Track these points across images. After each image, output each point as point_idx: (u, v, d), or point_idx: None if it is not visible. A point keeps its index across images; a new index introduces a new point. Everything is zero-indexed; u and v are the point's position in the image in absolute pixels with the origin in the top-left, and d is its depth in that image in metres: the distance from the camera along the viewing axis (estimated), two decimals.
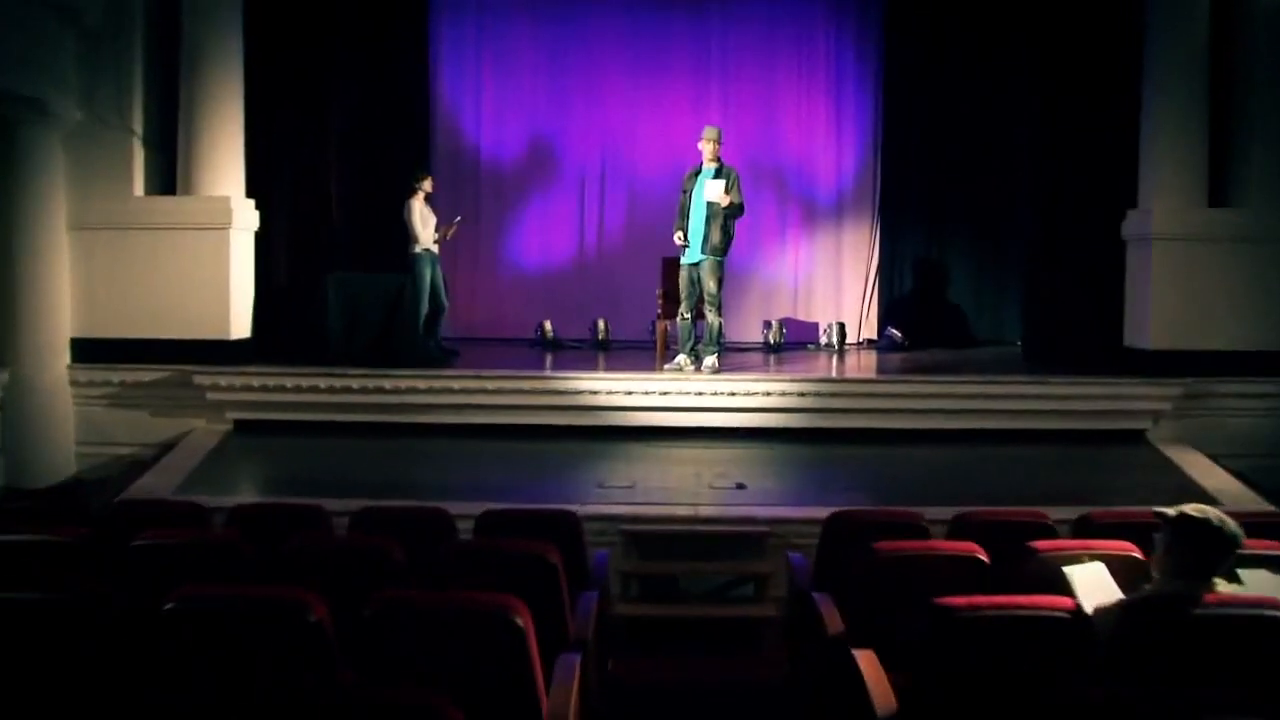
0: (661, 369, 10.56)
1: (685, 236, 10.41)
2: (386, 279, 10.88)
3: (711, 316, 10.42)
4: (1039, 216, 12.60)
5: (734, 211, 10.38)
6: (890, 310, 14.11)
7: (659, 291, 12.02)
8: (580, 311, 13.69)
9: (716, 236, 10.31)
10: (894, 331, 13.52)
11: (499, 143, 14.25)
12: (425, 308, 11.25)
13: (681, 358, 10.53)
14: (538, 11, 14.18)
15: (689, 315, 10.55)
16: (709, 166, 10.47)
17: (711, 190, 10.24)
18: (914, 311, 13.99)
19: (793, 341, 13.51)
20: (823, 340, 13.60)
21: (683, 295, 10.53)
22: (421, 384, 10.04)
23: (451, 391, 10.02)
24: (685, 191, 10.50)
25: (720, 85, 14.03)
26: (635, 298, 13.54)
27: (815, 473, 9.05)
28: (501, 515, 5.94)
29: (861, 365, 12.00)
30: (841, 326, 13.44)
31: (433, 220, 11.52)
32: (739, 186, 10.42)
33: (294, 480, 8.78)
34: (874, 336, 14.08)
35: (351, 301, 10.70)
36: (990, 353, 13.00)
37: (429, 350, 11.12)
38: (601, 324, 13.13)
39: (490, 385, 10.02)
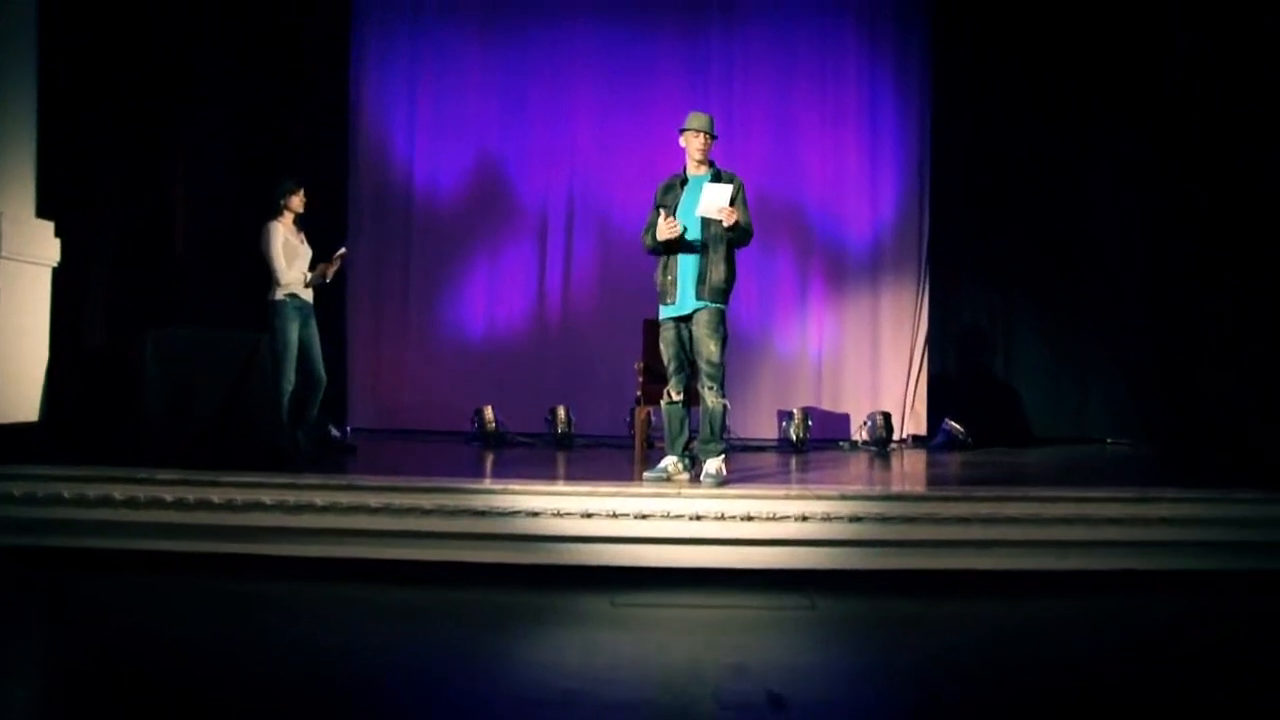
0: (641, 478, 6.93)
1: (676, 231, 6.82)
2: (233, 337, 7.22)
3: (712, 399, 6.82)
4: (1156, 279, 9.24)
5: (741, 237, 6.87)
6: (943, 396, 10.57)
7: (639, 365, 8.46)
8: (534, 395, 10.14)
9: (719, 273, 6.78)
10: (953, 425, 9.95)
11: (437, 173, 10.77)
12: (290, 380, 7.65)
13: (670, 462, 6.94)
14: (491, 16, 10.77)
15: (679, 396, 6.95)
16: (699, 171, 6.97)
17: (711, 198, 6.68)
18: (973, 398, 10.48)
19: (819, 438, 9.95)
20: (859, 436, 10.05)
21: (669, 366, 6.94)
22: (268, 496, 6.38)
23: (314, 509, 6.36)
24: (661, 209, 6.94)
25: (721, 113, 10.55)
26: (607, 376, 10.02)
27: (887, 652, 5.37)
28: None
29: (924, 472, 8.38)
30: (886, 418, 9.87)
31: (305, 254, 7.94)
32: (746, 202, 6.92)
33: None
34: (921, 432, 10.51)
35: (179, 369, 7.03)
36: (1087, 455, 9.45)
37: (294, 444, 7.48)
38: (561, 412, 9.55)
39: (375, 500, 6.36)
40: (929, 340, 10.71)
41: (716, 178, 6.85)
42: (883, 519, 6.32)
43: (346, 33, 10.61)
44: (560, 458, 8.74)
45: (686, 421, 6.97)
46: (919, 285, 10.76)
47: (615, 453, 8.96)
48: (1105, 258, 10.50)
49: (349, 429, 9.98)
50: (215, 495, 6.38)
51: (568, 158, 10.73)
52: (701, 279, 6.76)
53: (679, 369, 6.89)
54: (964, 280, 10.70)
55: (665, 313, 6.89)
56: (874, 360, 10.77)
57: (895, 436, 10.06)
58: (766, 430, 10.43)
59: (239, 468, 6.66)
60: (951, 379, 10.69)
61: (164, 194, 8.50)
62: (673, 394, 6.91)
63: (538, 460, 8.50)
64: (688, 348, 6.86)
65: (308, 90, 10.19)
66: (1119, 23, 10.27)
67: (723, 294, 6.79)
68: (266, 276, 7.69)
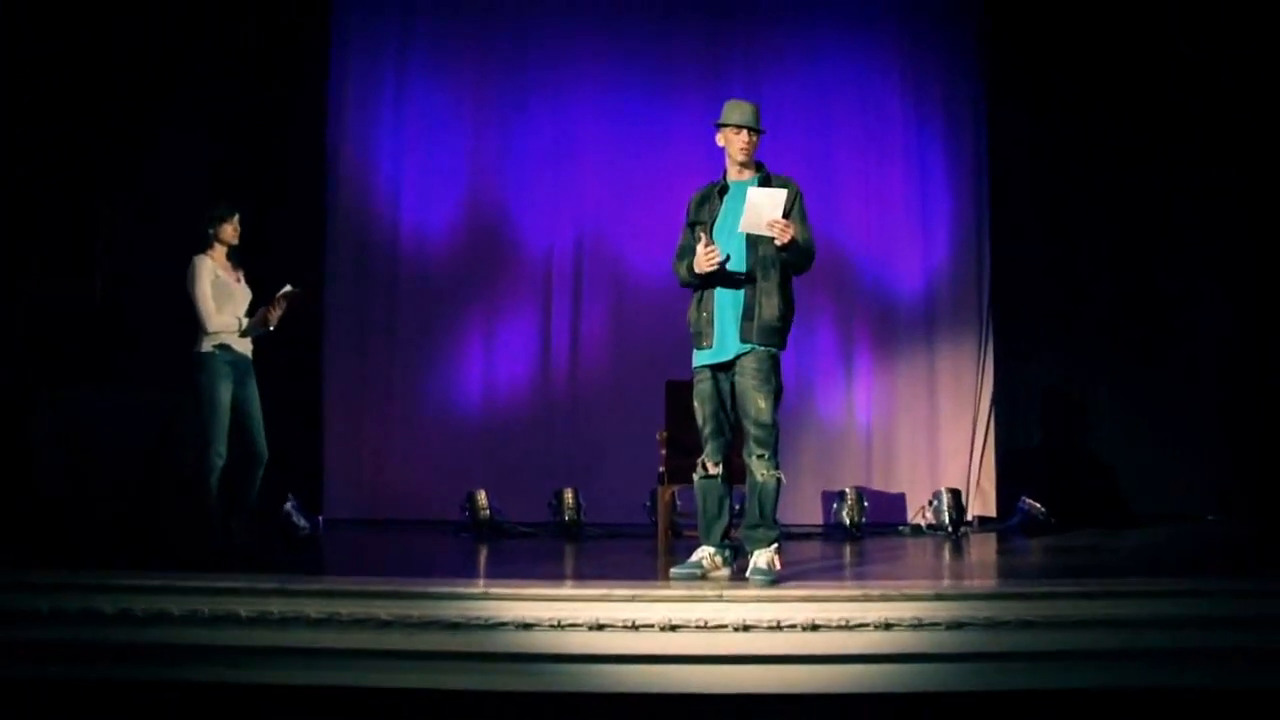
0: (669, 576, 5.28)
1: (717, 260, 5.22)
2: (149, 399, 5.62)
3: (762, 470, 5.18)
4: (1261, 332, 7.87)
5: (798, 259, 5.28)
6: (1014, 470, 8.95)
7: (661, 435, 6.86)
8: (538, 476, 8.54)
9: (771, 307, 5.21)
10: (1032, 504, 8.31)
11: (426, 219, 9.23)
12: (220, 453, 6.02)
13: (706, 554, 5.30)
14: (489, 35, 9.31)
15: (717, 469, 5.31)
16: (742, 176, 5.40)
17: (757, 208, 5.08)
18: (1050, 471, 8.86)
19: (873, 522, 8.30)
20: (921, 519, 8.41)
21: (704, 429, 5.33)
22: (176, 605, 4.75)
23: (236, 622, 4.73)
24: (696, 227, 5.37)
25: None
26: (623, 452, 8.40)
27: None
28: None
29: (1020, 561, 6.73)
30: (955, 497, 8.23)
31: (242, 296, 6.36)
32: (804, 213, 5.35)
33: None
34: (990, 512, 8.88)
35: (81, 439, 5.41)
36: (1203, 535, 7.83)
37: (224, 534, 5.85)
38: (569, 496, 7.92)
39: (315, 609, 4.72)
40: (995, 405, 9.08)
41: (766, 184, 5.30)
42: (992, 624, 4.67)
43: (325, 61, 9.14)
44: (567, 550, 7.14)
45: (728, 502, 5.35)
46: (980, 341, 9.15)
47: (634, 544, 7.33)
48: (1198, 310, 8.95)
49: (320, 519, 8.36)
50: (107, 605, 4.76)
51: (575, 198, 9.19)
52: (748, 315, 5.19)
53: (717, 432, 5.28)
54: (1033, 335, 9.13)
55: (700, 359, 5.31)
56: (931, 430, 9.14)
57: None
58: (809, 513, 8.79)
59: (144, 566, 5.05)
60: (1023, 450, 9.07)
61: (80, 229, 6.97)
62: (709, 466, 5.30)
63: (538, 554, 6.89)
64: (729, 404, 5.26)
65: (280, 124, 8.72)
66: (1202, 40, 8.79)
67: (776, 334, 5.22)
68: (194, 324, 6.11)
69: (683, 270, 5.33)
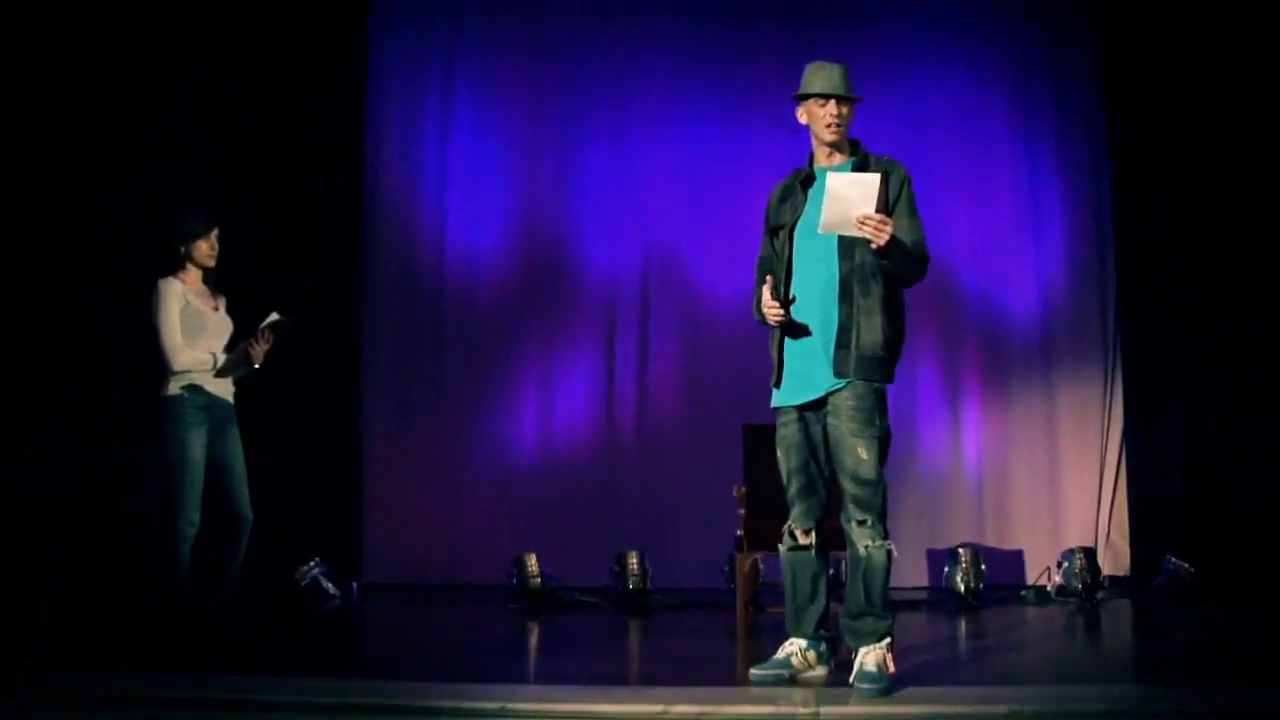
0: (747, 679, 4.05)
1: (785, 309, 4.06)
2: (103, 455, 4.55)
3: (869, 540, 3.96)
4: None
5: (906, 265, 4.05)
6: (1152, 522, 7.63)
7: (739, 491, 5.67)
8: (600, 533, 7.39)
9: (872, 329, 4.02)
10: (1179, 563, 6.97)
11: (474, 239, 8.15)
12: (192, 519, 4.86)
13: (796, 649, 4.09)
14: (544, 43, 8.24)
15: (808, 538, 4.08)
16: (832, 161, 4.20)
17: (840, 199, 3.84)
18: (1193, 523, 7.52)
19: (990, 583, 6.99)
20: (1046, 581, 7.10)
21: (790, 486, 4.13)
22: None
23: None
24: (777, 231, 4.20)
25: None
26: (699, 507, 7.24)
27: None
28: None
29: (1202, 642, 5.41)
30: (1089, 558, 6.91)
31: (221, 328, 5.19)
32: (913, 204, 4.15)
33: None
34: (1122, 571, 7.58)
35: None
36: None
37: (199, 614, 4.74)
38: (633, 561, 6.71)
39: None
40: (1126, 445, 7.78)
41: (862, 169, 4.10)
42: None
43: (363, 66, 8.15)
44: (629, 627, 5.94)
45: (824, 580, 4.12)
46: (1107, 375, 7.88)
47: (708, 619, 6.11)
48: None
49: (355, 586, 7.28)
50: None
51: (640, 222, 8.06)
52: (843, 340, 4.00)
53: (807, 490, 4.08)
54: (1169, 367, 7.79)
55: (781, 398, 4.12)
56: (1053, 476, 7.84)
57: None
58: (912, 575, 7.55)
59: (92, 666, 3.96)
60: (1161, 498, 7.71)
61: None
62: (798, 534, 4.09)
63: (593, 633, 5.75)
64: (821, 455, 4.05)
65: (310, 134, 7.75)
66: None
67: (880, 365, 4.04)
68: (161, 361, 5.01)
69: (757, 295, 4.17)
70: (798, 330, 4.03)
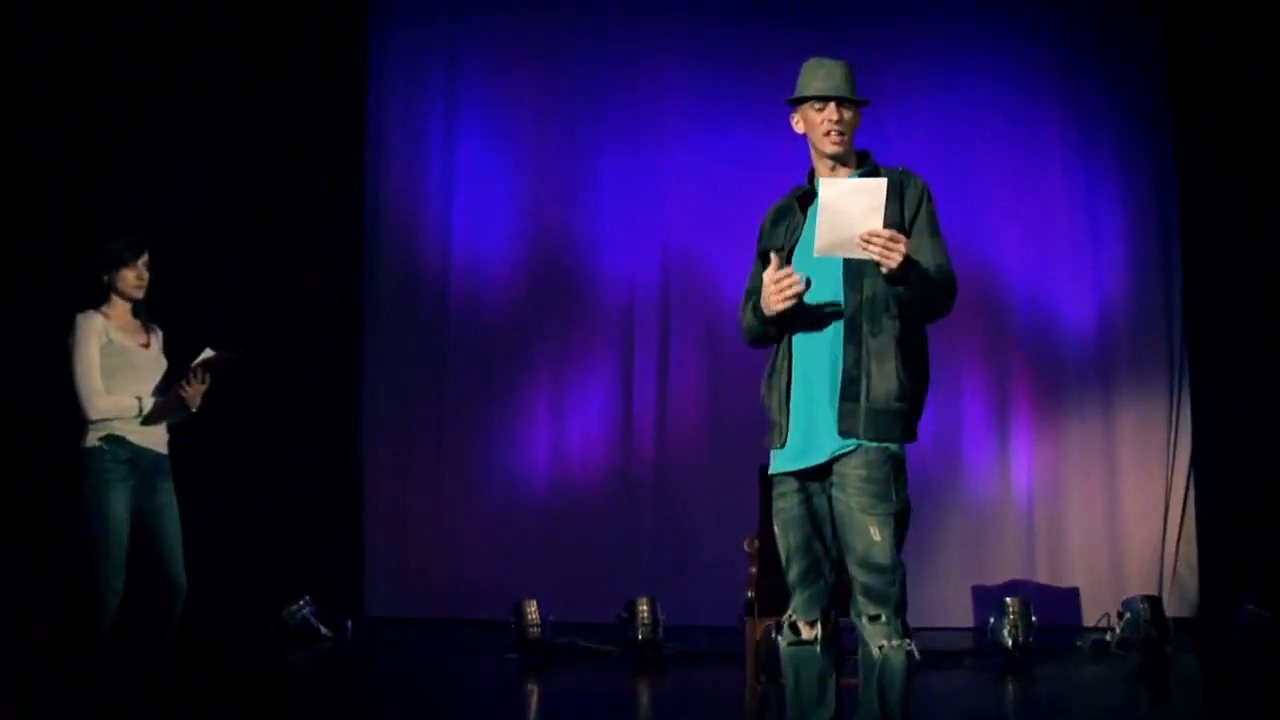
0: None
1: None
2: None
3: (884, 641, 3.22)
4: None
5: (926, 295, 3.25)
6: (1223, 559, 6.88)
7: (751, 545, 4.99)
8: (611, 571, 6.77)
9: (888, 376, 3.24)
10: (1256, 610, 6.20)
11: (481, 247, 7.50)
12: (115, 588, 4.20)
13: None
14: (554, 37, 7.55)
15: (811, 632, 3.35)
16: (836, 176, 3.39)
17: (842, 212, 3.09)
18: (1271, 559, 6.68)
19: (1041, 623, 6.19)
20: (1105, 625, 6.36)
21: (789, 569, 3.40)
22: None
23: None
24: (772, 256, 3.32)
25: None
26: (719, 544, 6.51)
27: None
28: None
29: None
30: (1154, 606, 6.14)
31: (152, 367, 4.45)
32: (935, 221, 3.38)
33: None
34: (1188, 613, 6.84)
35: None
36: None
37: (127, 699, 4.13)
38: (644, 608, 6.02)
39: None
40: (1194, 472, 7.02)
41: (869, 175, 3.40)
42: None
43: (364, 78, 7.53)
44: (635, 688, 5.27)
45: (832, 682, 3.39)
46: (1173, 390, 7.15)
47: (721, 679, 5.42)
48: None
49: (349, 624, 6.68)
50: None
51: (659, 230, 7.38)
52: (849, 391, 3.26)
53: (810, 575, 3.36)
54: (1244, 381, 6.98)
55: (779, 463, 3.41)
56: (1111, 506, 7.13)
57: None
58: (954, 614, 6.86)
59: None
60: (1233, 533, 6.90)
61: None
62: (800, 626, 3.38)
63: (589, 698, 5.05)
64: (827, 532, 3.35)
65: (311, 146, 7.17)
66: None
67: (897, 421, 3.27)
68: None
69: (748, 316, 3.44)
70: (815, 317, 3.25)
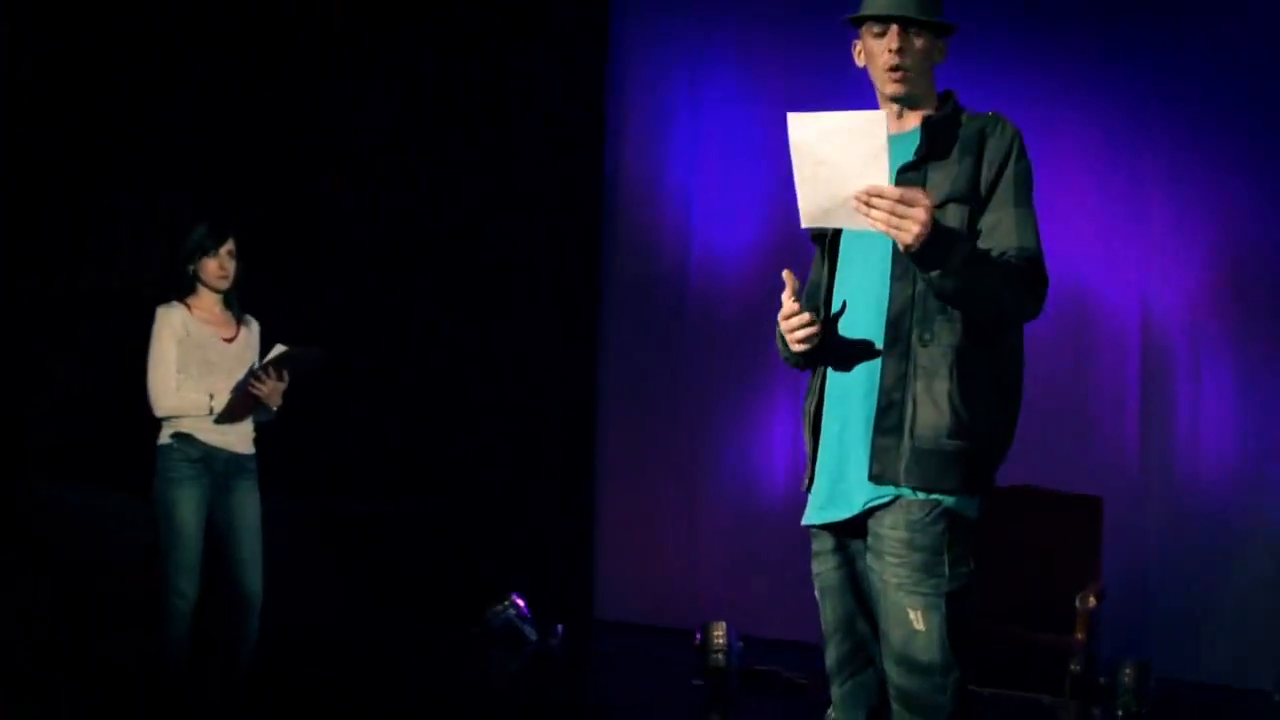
0: None
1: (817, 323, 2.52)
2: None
3: None
4: None
5: (990, 288, 2.36)
6: None
7: None
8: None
9: (943, 402, 2.40)
10: None
11: (717, 235, 6.89)
12: (184, 592, 4.03)
13: None
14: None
15: None
16: (904, 127, 2.53)
17: (824, 161, 2.28)
18: None
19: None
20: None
21: (829, 649, 2.64)
22: None
23: None
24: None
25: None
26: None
27: None
28: None
29: None
30: None
31: (228, 365, 4.18)
32: (1021, 185, 2.42)
33: None
34: None
35: None
36: None
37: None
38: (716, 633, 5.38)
39: None
40: None
41: (945, 132, 2.51)
42: None
43: (604, 60, 7.15)
44: None
45: None
46: None
47: None
48: None
49: (559, 628, 6.36)
50: None
51: None
52: (886, 422, 2.48)
53: (853, 662, 2.63)
54: None
55: (808, 513, 2.65)
56: None
57: None
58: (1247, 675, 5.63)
59: None
60: None
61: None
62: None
63: None
64: (864, 617, 2.58)
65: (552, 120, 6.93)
66: None
67: (954, 465, 2.44)
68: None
69: (778, 337, 2.66)
70: (860, 317, 2.51)
